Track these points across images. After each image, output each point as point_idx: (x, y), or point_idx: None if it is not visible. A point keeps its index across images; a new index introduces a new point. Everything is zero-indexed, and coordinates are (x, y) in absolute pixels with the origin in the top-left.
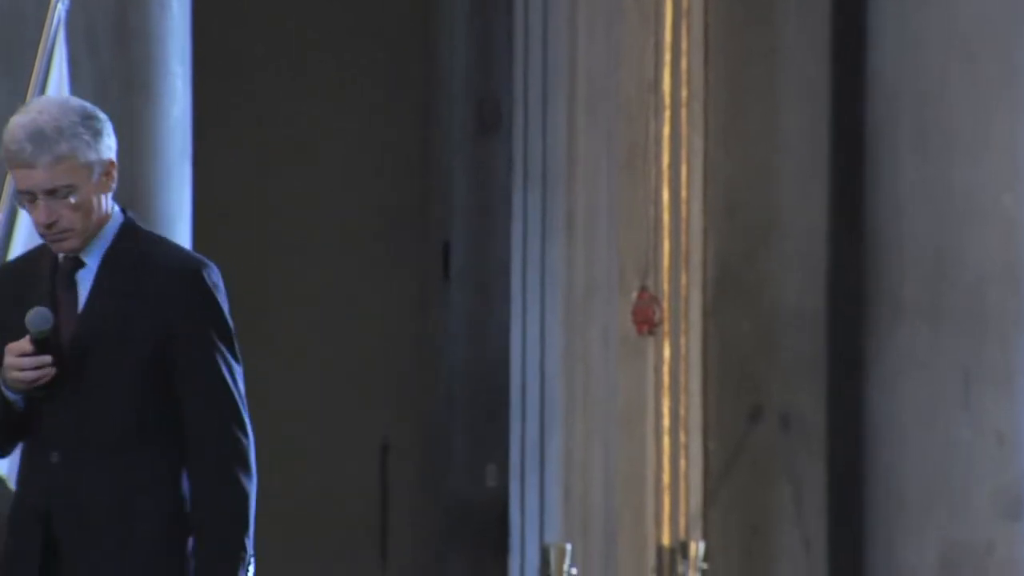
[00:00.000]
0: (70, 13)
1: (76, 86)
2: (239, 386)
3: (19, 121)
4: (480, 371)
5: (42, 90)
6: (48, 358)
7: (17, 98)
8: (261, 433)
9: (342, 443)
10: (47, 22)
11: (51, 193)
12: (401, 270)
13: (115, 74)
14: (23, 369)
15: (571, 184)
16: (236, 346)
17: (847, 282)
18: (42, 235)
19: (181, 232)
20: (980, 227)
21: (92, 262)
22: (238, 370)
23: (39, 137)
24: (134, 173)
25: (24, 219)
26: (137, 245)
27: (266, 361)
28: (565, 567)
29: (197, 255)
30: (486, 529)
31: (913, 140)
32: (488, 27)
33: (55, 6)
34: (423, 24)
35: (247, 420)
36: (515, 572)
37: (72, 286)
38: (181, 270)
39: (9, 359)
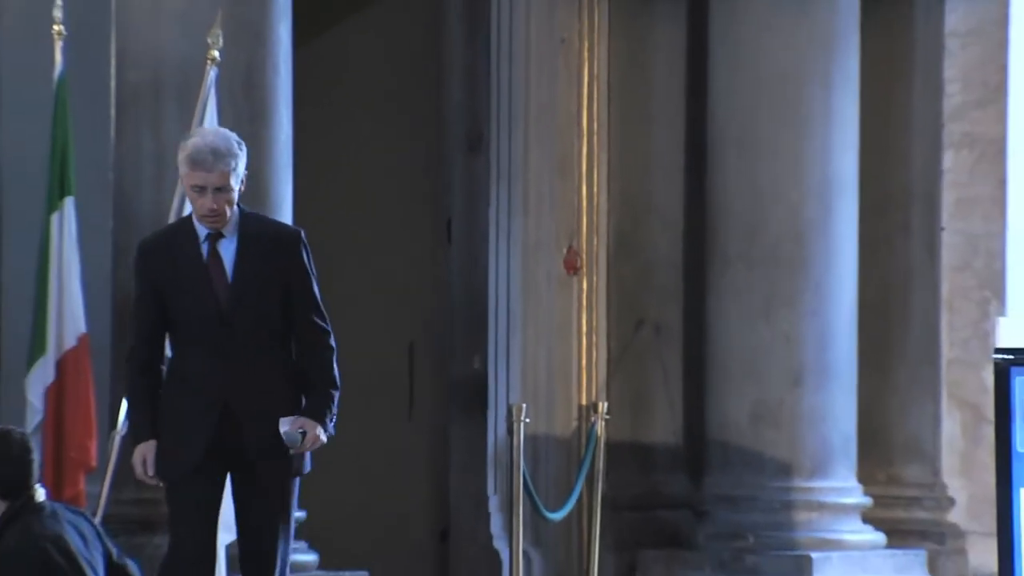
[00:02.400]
0: (219, 74)
1: (221, 118)
2: (319, 298)
3: (201, 141)
4: (471, 299)
5: (201, 121)
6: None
7: (186, 125)
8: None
9: (386, 343)
10: (204, 79)
11: (218, 190)
12: (421, 237)
13: (244, 112)
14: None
15: (526, 181)
16: (316, 277)
17: (695, 242)
18: (203, 216)
19: (286, 211)
20: (776, 208)
21: (230, 235)
22: (318, 290)
23: (216, 152)
24: (259, 175)
25: None
26: (255, 223)
27: (335, 294)
28: (522, 418)
29: (291, 225)
30: (475, 396)
31: (735, 153)
32: (474, 77)
33: (209, 70)
34: (431, 73)
35: (327, 316)
36: (491, 423)
37: (217, 251)
38: (286, 236)
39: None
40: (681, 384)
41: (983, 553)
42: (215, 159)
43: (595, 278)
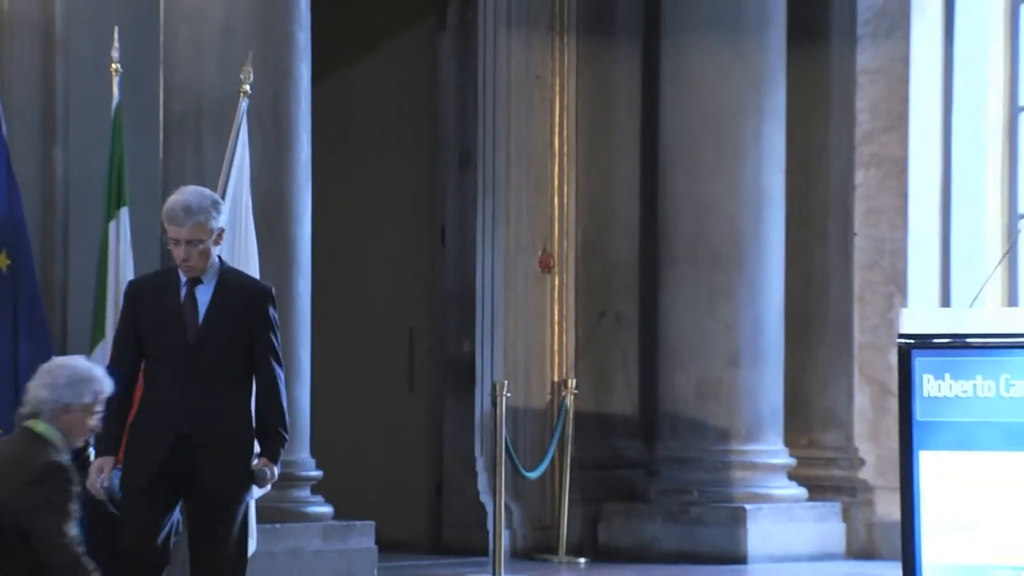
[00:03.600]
0: (249, 105)
1: (251, 144)
2: (278, 347)
3: (179, 198)
4: (461, 292)
5: (234, 147)
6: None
7: (222, 147)
8: (344, 322)
9: (390, 329)
10: (237, 109)
11: (189, 243)
12: (420, 241)
13: (271, 137)
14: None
15: (508, 195)
16: (278, 329)
17: (649, 246)
18: (179, 264)
19: (306, 220)
20: (716, 218)
21: (208, 282)
22: (278, 341)
23: (188, 209)
24: (282, 190)
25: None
26: (232, 276)
27: (348, 290)
28: (504, 393)
29: (263, 283)
30: (464, 374)
31: (682, 172)
32: (464, 108)
33: (241, 102)
34: (428, 104)
35: (282, 363)
36: (478, 397)
37: (194, 295)
38: (258, 291)
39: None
40: (637, 364)
41: (888, 505)
42: (186, 215)
43: (565, 276)
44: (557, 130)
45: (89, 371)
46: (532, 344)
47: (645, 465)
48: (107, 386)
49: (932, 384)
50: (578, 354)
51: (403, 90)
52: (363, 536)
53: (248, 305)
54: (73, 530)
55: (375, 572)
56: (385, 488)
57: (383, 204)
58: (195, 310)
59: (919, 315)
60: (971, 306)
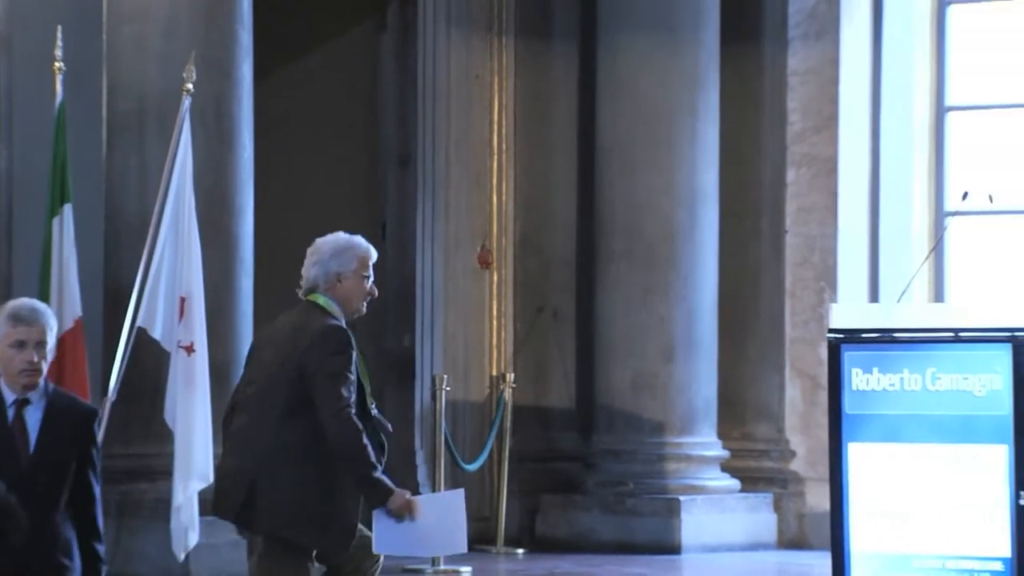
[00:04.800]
0: (192, 104)
1: (194, 142)
2: (98, 464)
3: (23, 301)
4: (402, 287)
5: (177, 145)
6: None
7: (165, 145)
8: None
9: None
10: (180, 108)
11: (38, 344)
12: (363, 234)
13: (214, 135)
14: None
15: (447, 192)
16: (99, 447)
17: (586, 242)
18: (20, 371)
19: (248, 216)
20: (651, 215)
21: (36, 403)
22: (98, 458)
23: (36, 310)
24: (225, 187)
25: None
26: (59, 398)
27: (290, 285)
28: (443, 386)
29: (88, 404)
30: (404, 368)
31: (618, 169)
32: (404, 106)
33: (184, 100)
34: (370, 103)
35: (99, 479)
36: (418, 390)
37: (23, 417)
38: (85, 414)
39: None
40: (574, 358)
41: (818, 496)
42: (36, 315)
43: (504, 271)
44: (496, 129)
45: (349, 240)
46: (471, 338)
47: (582, 457)
48: (372, 251)
49: (860, 378)
50: (516, 348)
51: (344, 89)
52: None
53: (77, 429)
54: (348, 393)
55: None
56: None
57: (324, 201)
58: (26, 437)
59: (848, 310)
60: (898, 301)
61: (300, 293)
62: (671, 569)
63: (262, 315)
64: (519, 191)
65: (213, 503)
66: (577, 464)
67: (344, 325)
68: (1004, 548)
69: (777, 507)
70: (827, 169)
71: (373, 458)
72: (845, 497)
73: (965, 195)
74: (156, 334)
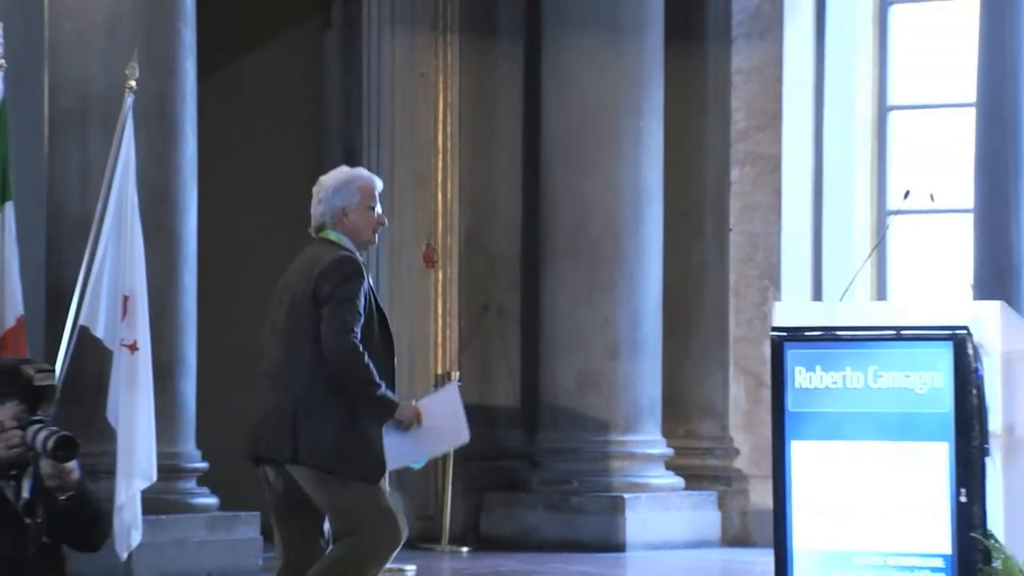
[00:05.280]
0: (135, 101)
1: (137, 140)
2: None
3: None
4: None
5: (120, 143)
6: None
7: (107, 143)
8: (231, 315)
9: None
10: (123, 106)
11: None
12: (306, 233)
13: (157, 133)
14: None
15: (391, 190)
16: None
17: (531, 240)
18: None
19: (192, 213)
20: (596, 214)
21: None
22: None
23: None
24: (169, 184)
25: None
26: None
27: (234, 282)
28: None
29: None
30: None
31: (563, 168)
32: (349, 103)
33: (126, 97)
34: (315, 100)
35: None
36: None
37: None
38: None
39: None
40: (519, 357)
41: (762, 493)
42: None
43: (449, 269)
44: (440, 126)
45: (350, 173)
46: (416, 336)
47: (527, 455)
48: (376, 181)
49: (803, 376)
50: (461, 346)
51: (289, 87)
52: (248, 527)
53: None
54: (352, 317)
55: (260, 562)
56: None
57: (269, 199)
58: None
59: (791, 309)
60: (841, 300)
61: (311, 231)
62: (615, 567)
63: (206, 313)
64: (464, 189)
65: (246, 445)
66: (522, 462)
67: (356, 256)
68: (945, 545)
69: (721, 505)
70: (771, 167)
71: (375, 376)
72: (788, 494)
73: (907, 194)
74: (99, 332)
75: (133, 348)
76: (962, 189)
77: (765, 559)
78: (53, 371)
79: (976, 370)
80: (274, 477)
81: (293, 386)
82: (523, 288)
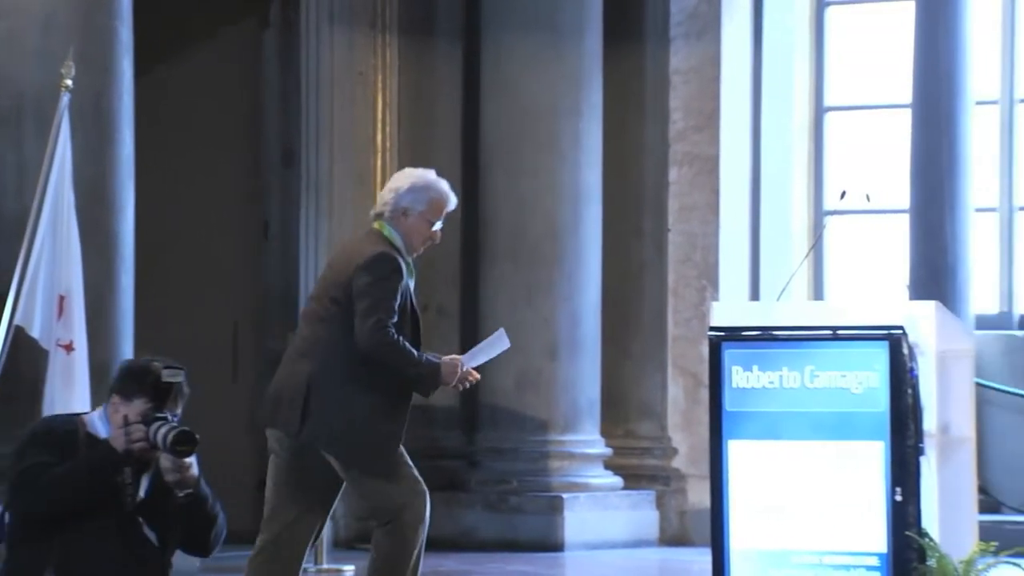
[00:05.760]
0: (71, 100)
1: (73, 139)
2: None
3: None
4: (285, 286)
5: (56, 142)
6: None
7: (43, 143)
8: (168, 315)
9: (214, 322)
10: (59, 105)
11: None
12: (244, 235)
13: (93, 132)
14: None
15: (331, 190)
16: None
17: (471, 241)
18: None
19: (129, 213)
20: (535, 215)
21: None
22: None
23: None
24: (106, 184)
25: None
26: None
27: (172, 283)
28: None
29: None
30: None
31: (502, 169)
32: (287, 103)
33: (62, 97)
34: (253, 99)
35: None
36: None
37: None
38: None
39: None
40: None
41: (700, 493)
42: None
43: None
44: (379, 126)
45: (431, 181)
46: None
47: (466, 455)
48: (450, 200)
49: (741, 375)
50: None
51: (226, 87)
52: None
53: None
54: (386, 315)
55: (199, 564)
56: (207, 480)
57: (207, 199)
58: None
59: (729, 308)
60: (778, 300)
61: (371, 214)
62: (554, 566)
63: (143, 313)
64: None
65: (258, 409)
66: (461, 462)
67: (400, 256)
68: (880, 544)
69: (659, 504)
70: (709, 168)
71: (412, 357)
72: (725, 494)
73: (843, 194)
74: (34, 332)
75: (69, 348)
76: (898, 190)
77: (703, 558)
78: (181, 369)
79: (911, 370)
80: (280, 446)
81: (311, 365)
82: (462, 288)
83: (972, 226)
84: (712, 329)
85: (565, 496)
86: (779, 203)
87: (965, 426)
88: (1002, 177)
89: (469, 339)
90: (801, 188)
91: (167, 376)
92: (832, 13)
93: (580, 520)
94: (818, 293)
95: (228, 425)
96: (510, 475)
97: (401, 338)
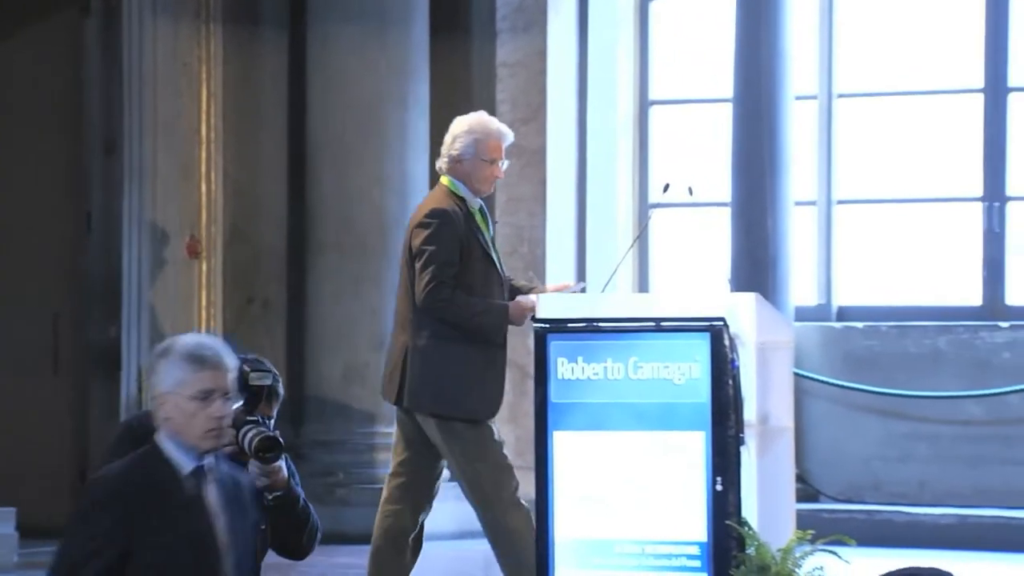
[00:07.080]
0: None
1: None
2: None
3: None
4: (108, 277)
5: None
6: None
7: None
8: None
9: (34, 313)
10: None
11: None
12: (65, 225)
13: None
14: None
15: (155, 180)
16: None
17: (297, 233)
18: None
19: None
20: (363, 206)
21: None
22: None
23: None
24: None
25: None
26: None
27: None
28: (149, 377)
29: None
30: (110, 359)
31: (329, 160)
32: (109, 92)
33: None
34: (74, 87)
35: None
36: (124, 381)
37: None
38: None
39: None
40: (285, 349)
41: (525, 483)
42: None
43: (213, 261)
44: (204, 117)
45: (474, 123)
46: (180, 329)
47: (292, 448)
48: (504, 134)
49: (566, 367)
50: (225, 339)
51: (47, 76)
52: (3, 522)
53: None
54: (440, 271)
55: (15, 558)
56: (28, 474)
57: (28, 190)
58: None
59: (554, 300)
60: (603, 291)
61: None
62: None
63: None
64: (228, 180)
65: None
66: (288, 455)
67: (469, 204)
68: (700, 533)
69: None
70: (536, 160)
71: (472, 308)
72: (550, 485)
73: (666, 187)
74: None
75: None
76: (720, 183)
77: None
78: (270, 372)
79: (732, 361)
80: (401, 416)
81: (405, 334)
82: (289, 280)
83: (792, 220)
84: (537, 321)
85: None
86: (604, 196)
87: (784, 416)
88: (820, 172)
89: (294, 332)
90: (626, 181)
91: (255, 379)
92: (656, 7)
93: None
94: (643, 285)
95: (49, 419)
96: (337, 467)
97: (457, 292)
